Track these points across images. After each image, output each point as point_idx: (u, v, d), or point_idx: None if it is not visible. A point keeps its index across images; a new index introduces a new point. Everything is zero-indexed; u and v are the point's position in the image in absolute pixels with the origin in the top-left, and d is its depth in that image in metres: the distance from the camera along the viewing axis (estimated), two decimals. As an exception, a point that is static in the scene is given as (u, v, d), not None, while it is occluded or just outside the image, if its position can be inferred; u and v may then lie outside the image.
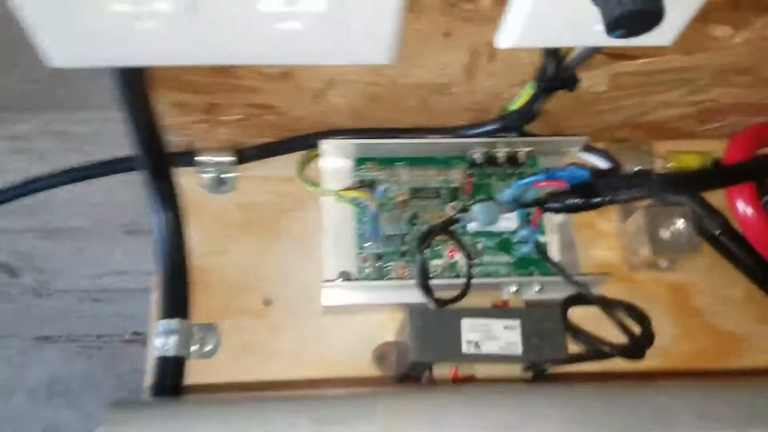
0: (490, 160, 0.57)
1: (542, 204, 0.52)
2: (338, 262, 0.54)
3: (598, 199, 0.50)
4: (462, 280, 0.51)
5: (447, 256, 0.55)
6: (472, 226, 0.55)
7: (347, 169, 0.57)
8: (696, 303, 0.58)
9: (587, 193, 0.51)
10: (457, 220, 0.52)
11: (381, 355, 0.54)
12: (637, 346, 0.49)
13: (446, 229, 0.52)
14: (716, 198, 0.58)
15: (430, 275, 0.54)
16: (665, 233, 0.56)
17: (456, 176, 0.58)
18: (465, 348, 0.47)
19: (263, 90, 0.50)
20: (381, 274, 0.54)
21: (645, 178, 0.50)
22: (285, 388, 0.51)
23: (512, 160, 0.57)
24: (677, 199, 0.57)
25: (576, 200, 0.50)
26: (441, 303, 0.49)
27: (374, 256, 0.55)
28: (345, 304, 0.52)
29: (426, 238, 0.51)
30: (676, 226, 0.56)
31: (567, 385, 0.42)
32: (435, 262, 0.55)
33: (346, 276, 0.54)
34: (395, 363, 0.52)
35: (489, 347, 0.47)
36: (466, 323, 0.48)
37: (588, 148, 0.58)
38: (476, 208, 0.52)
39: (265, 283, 0.55)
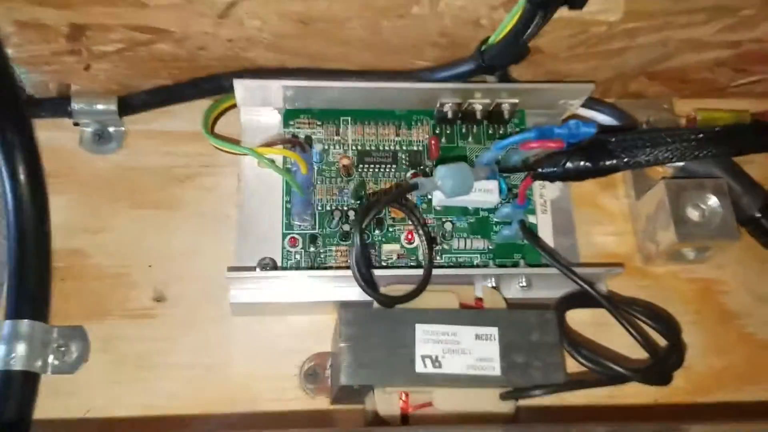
0: (465, 115, 0.44)
1: (533, 169, 0.38)
2: (258, 246, 0.40)
3: (609, 162, 0.36)
4: (421, 272, 0.37)
5: (405, 239, 0.41)
6: (437, 199, 0.41)
7: (273, 124, 0.43)
8: (730, 305, 0.45)
9: (594, 153, 0.37)
10: (413, 187, 0.37)
11: (312, 371, 0.40)
12: (662, 366, 0.35)
13: (398, 200, 0.38)
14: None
15: (380, 264, 0.40)
16: (693, 214, 0.42)
17: (418, 136, 0.44)
18: (420, 366, 0.33)
19: (146, 3, 0.36)
20: (315, 263, 0.40)
21: (674, 134, 0.36)
22: (175, 428, 0.37)
23: (493, 115, 0.44)
24: (709, 170, 0.44)
25: (579, 162, 0.36)
26: (388, 301, 0.35)
27: (307, 238, 0.41)
28: (264, 302, 0.38)
29: (368, 212, 0.37)
30: (709, 204, 0.42)
31: (565, 427, 0.28)
32: (388, 248, 0.41)
33: (267, 264, 0.40)
34: (331, 381, 0.38)
35: (454, 365, 0.33)
36: (423, 331, 0.34)
37: (593, 102, 0.45)
38: (441, 172, 0.37)
39: (157, 272, 0.41)
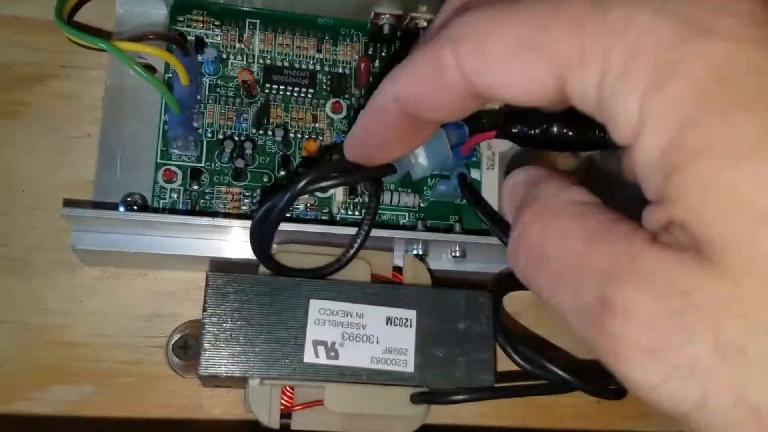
0: (405, 34, 0.35)
1: (505, 128, 0.29)
2: (124, 177, 0.31)
3: (598, 132, 0.27)
4: (336, 230, 0.28)
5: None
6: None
7: (159, 20, 0.33)
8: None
9: (581, 119, 0.28)
10: (386, 172, 0.27)
11: (183, 342, 0.31)
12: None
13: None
14: None
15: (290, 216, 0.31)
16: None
17: (345, 55, 0.35)
18: (309, 354, 0.25)
19: None
20: (197, 205, 0.31)
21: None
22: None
23: (440, 39, 0.35)
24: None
25: (567, 129, 0.27)
26: (280, 271, 0.26)
27: (188, 172, 0.31)
28: (119, 251, 0.29)
29: (322, 179, 0.26)
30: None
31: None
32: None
33: (135, 203, 0.31)
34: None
35: (354, 356, 0.25)
36: (319, 309, 0.26)
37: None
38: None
39: (-13, 202, 0.31)
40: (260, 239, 0.26)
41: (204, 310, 0.25)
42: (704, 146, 0.13)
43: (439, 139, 0.29)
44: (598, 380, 0.27)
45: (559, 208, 0.17)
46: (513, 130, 0.28)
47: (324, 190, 0.30)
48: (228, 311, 0.25)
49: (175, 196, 0.31)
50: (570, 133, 0.27)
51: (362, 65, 0.34)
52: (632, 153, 0.15)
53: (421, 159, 0.28)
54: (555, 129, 0.26)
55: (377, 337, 0.26)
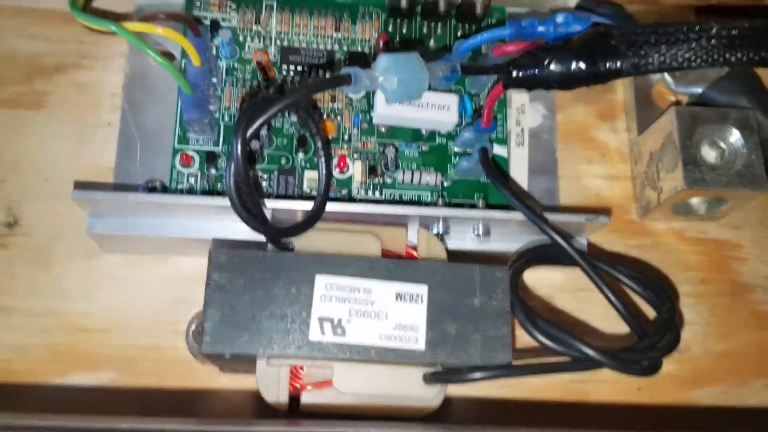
0: (425, 7, 0.34)
1: (504, 70, 0.28)
2: (144, 163, 0.31)
3: (610, 63, 0.26)
4: (352, 208, 0.28)
5: (337, 166, 0.32)
6: (379, 111, 0.31)
7: (176, 3, 0.33)
8: (744, 276, 0.35)
9: (590, 50, 0.26)
10: (343, 80, 0.26)
11: (202, 328, 0.31)
12: (649, 350, 0.26)
13: (308, 96, 0.28)
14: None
15: (300, 194, 0.31)
16: (709, 153, 0.32)
17: (364, 33, 0.34)
18: (315, 331, 0.24)
19: None
20: (214, 188, 0.31)
21: (699, 29, 0.26)
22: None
23: (463, 9, 0.34)
24: (735, 98, 0.34)
25: (570, 62, 0.26)
26: (271, 233, 0.26)
27: (203, 156, 0.31)
28: (137, 236, 0.29)
29: (258, 111, 0.25)
30: (730, 141, 0.33)
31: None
32: (312, 175, 0.32)
33: (155, 188, 0.31)
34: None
35: (362, 333, 0.24)
36: (325, 284, 0.25)
37: (592, 2, 0.34)
38: (384, 62, 0.27)
39: (11, 189, 0.32)
40: (243, 202, 0.25)
41: (207, 286, 0.24)
42: None
43: (409, 62, 0.27)
44: (628, 355, 0.25)
45: None
46: (513, 76, 0.27)
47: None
48: (231, 288, 0.24)
49: (192, 180, 0.31)
50: (573, 66, 0.25)
51: (381, 41, 0.33)
52: None
53: (385, 78, 0.27)
54: (557, 64, 0.25)
55: (386, 314, 0.24)
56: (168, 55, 0.32)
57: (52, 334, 0.30)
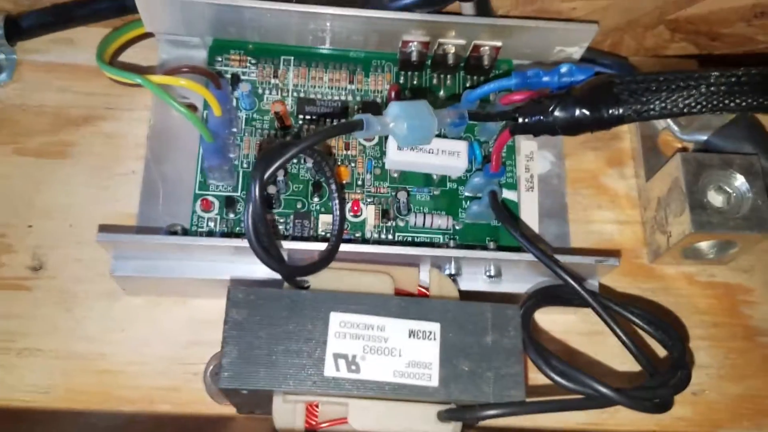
0: (435, 60, 0.35)
1: (510, 116, 0.29)
2: (167, 208, 0.32)
3: (612, 110, 0.27)
4: (365, 249, 0.28)
5: (351, 210, 0.33)
6: (391, 157, 0.32)
7: (198, 61, 0.35)
8: (755, 320, 0.36)
9: (594, 97, 0.28)
10: (355, 126, 0.28)
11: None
12: (661, 387, 0.26)
13: (321, 141, 0.29)
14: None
15: (315, 236, 0.31)
16: (716, 198, 0.33)
17: (377, 84, 0.35)
18: (330, 367, 0.25)
19: None
20: (233, 230, 0.32)
21: (699, 76, 0.27)
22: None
23: (471, 63, 0.35)
24: (739, 145, 0.35)
25: (574, 109, 0.27)
26: (287, 272, 0.26)
27: (222, 201, 0.32)
28: (158, 277, 0.30)
29: (275, 156, 0.26)
30: (736, 185, 0.33)
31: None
32: (327, 219, 0.33)
33: (177, 232, 0.32)
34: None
35: (376, 369, 0.25)
36: (339, 322, 0.25)
37: (598, 54, 0.36)
38: (395, 110, 0.28)
39: (38, 234, 0.33)
40: (260, 242, 0.26)
41: (225, 323, 0.25)
42: None
43: (417, 109, 0.29)
44: (640, 393, 0.25)
45: None
46: (520, 122, 0.28)
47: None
48: (248, 325, 0.25)
49: (212, 224, 0.32)
50: (576, 113, 0.26)
51: (392, 92, 0.34)
52: None
53: (395, 125, 0.28)
54: (562, 111, 0.26)
55: (399, 350, 0.25)
56: (191, 107, 0.33)
57: (72, 375, 0.31)
